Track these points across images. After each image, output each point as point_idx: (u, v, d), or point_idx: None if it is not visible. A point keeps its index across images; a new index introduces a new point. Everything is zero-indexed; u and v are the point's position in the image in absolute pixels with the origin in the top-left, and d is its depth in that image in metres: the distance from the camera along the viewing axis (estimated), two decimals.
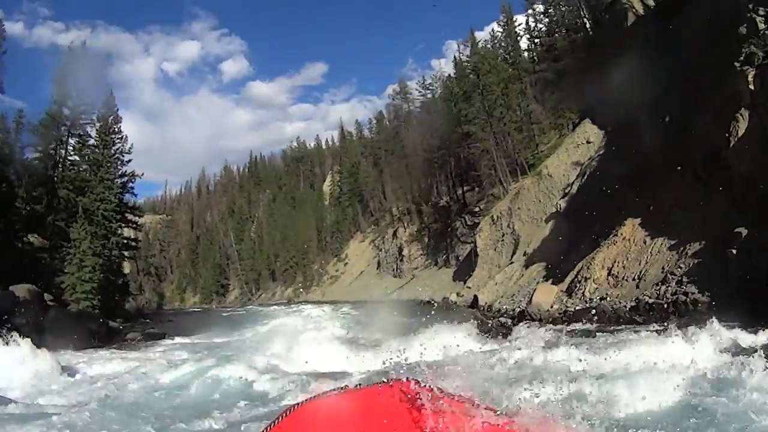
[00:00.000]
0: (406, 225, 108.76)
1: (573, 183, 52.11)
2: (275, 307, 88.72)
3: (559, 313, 34.88)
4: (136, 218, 73.42)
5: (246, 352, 24.72)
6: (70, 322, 37.28)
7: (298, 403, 3.24)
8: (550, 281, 41.82)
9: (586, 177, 50.56)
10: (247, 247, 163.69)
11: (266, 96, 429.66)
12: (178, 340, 40.99)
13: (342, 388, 3.49)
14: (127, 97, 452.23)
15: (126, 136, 65.73)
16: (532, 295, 39.42)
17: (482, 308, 49.28)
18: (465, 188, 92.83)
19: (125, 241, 67.88)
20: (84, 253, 50.75)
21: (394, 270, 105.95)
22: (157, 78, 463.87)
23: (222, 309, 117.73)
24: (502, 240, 61.07)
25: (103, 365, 23.92)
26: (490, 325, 34.25)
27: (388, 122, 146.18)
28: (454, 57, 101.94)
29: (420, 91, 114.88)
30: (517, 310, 41.18)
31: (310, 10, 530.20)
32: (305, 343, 24.50)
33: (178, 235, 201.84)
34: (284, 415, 3.13)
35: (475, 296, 53.87)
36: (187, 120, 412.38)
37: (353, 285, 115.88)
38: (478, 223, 71.38)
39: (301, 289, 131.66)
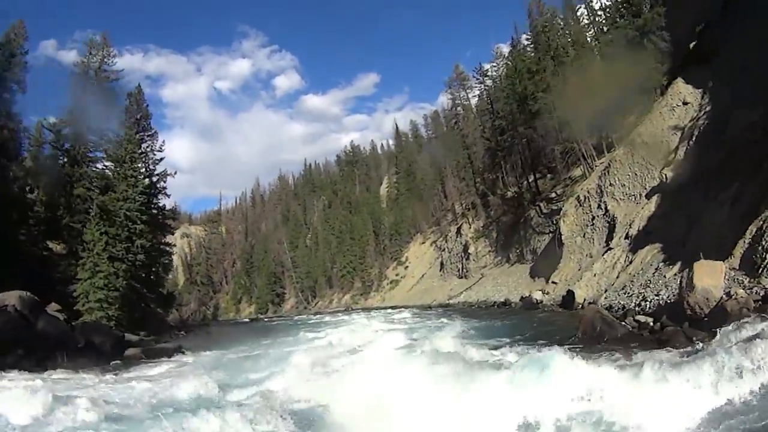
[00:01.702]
0: (470, 221, 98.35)
1: (677, 148, 44.00)
2: (327, 317, 78.10)
3: (757, 300, 21.99)
4: (169, 222, 69.23)
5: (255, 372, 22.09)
6: (58, 335, 31.44)
7: None
8: (679, 264, 32.27)
9: (694, 138, 42.51)
10: (302, 253, 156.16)
11: (320, 108, 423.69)
12: (187, 356, 34.57)
13: None
14: (182, 117, 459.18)
15: (156, 132, 62.92)
16: (687, 279, 26.21)
17: (580, 307, 41.37)
18: (536, 175, 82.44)
19: (160, 246, 63.68)
20: (99, 257, 45.45)
21: (459, 270, 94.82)
22: (210, 96, 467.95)
23: (271, 318, 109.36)
24: (592, 224, 52.74)
25: None
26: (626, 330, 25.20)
27: (444, 119, 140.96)
28: (512, 38, 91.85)
29: (478, 78, 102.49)
30: (643, 304, 32.16)
31: (358, 21, 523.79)
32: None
33: (232, 245, 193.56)
34: None
35: (570, 292, 45.49)
36: (243, 136, 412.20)
37: (415, 289, 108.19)
38: (557, 211, 63.92)
39: (360, 295, 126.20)
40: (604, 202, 51.09)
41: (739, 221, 28.31)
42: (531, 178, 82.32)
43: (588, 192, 54.93)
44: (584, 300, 42.01)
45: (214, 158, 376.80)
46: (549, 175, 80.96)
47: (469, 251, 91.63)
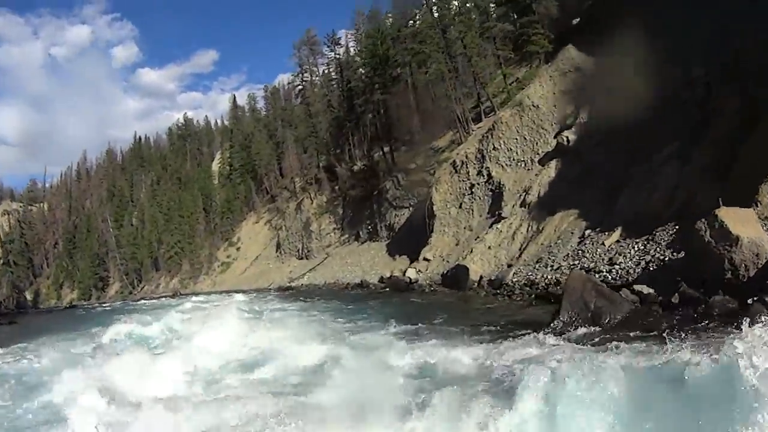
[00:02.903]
0: (313, 196, 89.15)
1: (578, 112, 40.50)
2: (144, 302, 72.62)
3: None
4: None
5: None
6: None
7: None
8: (619, 229, 29.03)
9: (594, 103, 38.90)
10: (127, 233, 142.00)
11: (155, 83, 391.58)
12: None
13: None
14: (14, 85, 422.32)
15: None
16: (717, 232, 18.79)
17: (476, 285, 36.41)
18: (391, 146, 73.46)
19: None
20: None
21: (299, 251, 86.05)
22: (45, 64, 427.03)
23: (89, 306, 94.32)
24: (471, 193, 47.43)
25: None
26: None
27: (284, 93, 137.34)
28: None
29: (329, 46, 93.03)
30: (554, 278, 29.61)
31: None
32: None
33: (54, 223, 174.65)
34: None
35: (461, 268, 39.19)
36: (74, 108, 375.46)
37: (248, 272, 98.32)
38: (418, 182, 59.72)
39: (188, 279, 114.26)
40: (487, 168, 46.04)
41: (699, 177, 26.22)
42: (386, 149, 73.64)
43: (466, 157, 48.64)
44: (480, 277, 36.71)
45: (44, 131, 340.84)
46: (404, 148, 72.15)
47: (311, 229, 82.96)
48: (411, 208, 59.48)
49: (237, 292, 68.20)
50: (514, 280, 32.59)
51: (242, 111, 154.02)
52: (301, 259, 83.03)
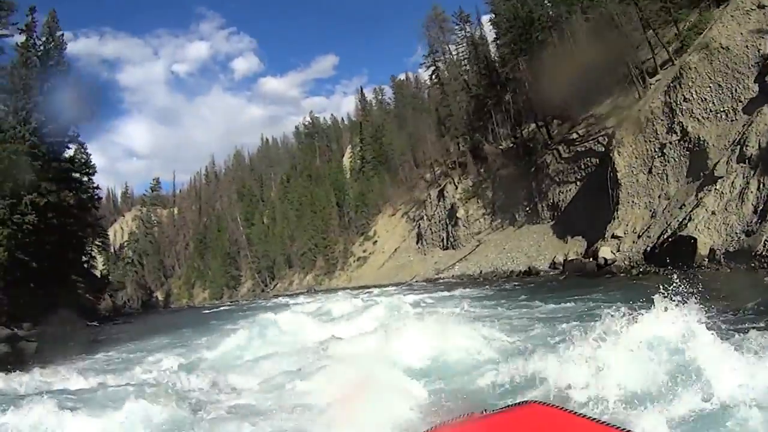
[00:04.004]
0: (456, 181, 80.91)
1: None
2: (275, 300, 67.39)
3: None
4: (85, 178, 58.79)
5: None
6: None
7: None
8: None
9: None
10: (259, 231, 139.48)
11: (278, 91, 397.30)
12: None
13: (466, 415, 2.85)
14: (140, 101, 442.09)
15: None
16: None
17: (708, 259, 29.79)
18: (546, 118, 65.06)
19: (66, 205, 49.19)
20: None
21: (443, 240, 79.21)
22: (168, 80, 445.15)
23: (219, 305, 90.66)
24: (662, 155, 40.08)
25: None
26: None
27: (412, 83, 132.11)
28: None
29: (457, 23, 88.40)
30: None
31: (316, 2, 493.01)
32: None
33: (184, 226, 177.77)
34: None
35: (685, 240, 31.73)
36: (201, 119, 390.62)
37: (387, 265, 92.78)
38: (585, 152, 52.53)
39: (323, 275, 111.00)
40: (680, 123, 38.81)
41: None
42: (538, 123, 65.83)
43: (652, 113, 41.28)
44: (711, 249, 29.83)
45: (173, 143, 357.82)
46: (556, 121, 64.49)
47: (457, 216, 75.24)
48: (578, 183, 52.38)
49: (375, 287, 63.06)
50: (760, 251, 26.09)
51: (370, 105, 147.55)
52: (446, 249, 76.67)
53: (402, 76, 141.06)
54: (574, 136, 56.16)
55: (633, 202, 40.69)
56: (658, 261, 31.94)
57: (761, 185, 29.88)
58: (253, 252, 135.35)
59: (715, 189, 32.41)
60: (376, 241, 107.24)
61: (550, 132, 62.92)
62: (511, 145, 71.16)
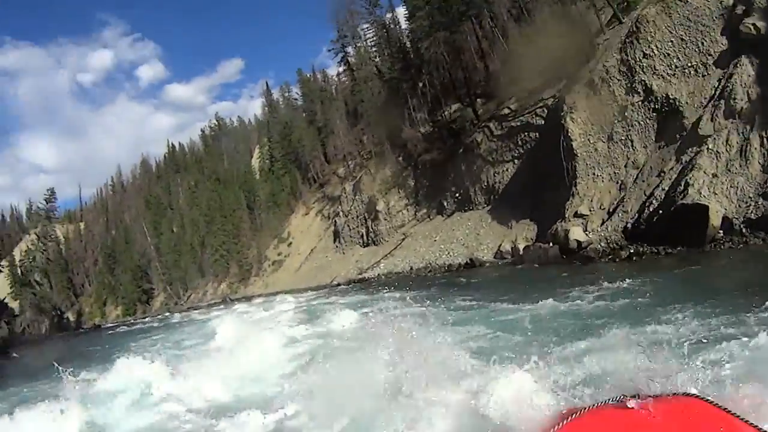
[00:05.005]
0: (373, 172, 75.90)
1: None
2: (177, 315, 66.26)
3: None
4: None
5: None
6: None
7: (576, 411, 2.85)
8: None
9: None
10: (167, 240, 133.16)
11: (185, 98, 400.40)
12: None
13: (618, 398, 2.96)
14: (44, 115, 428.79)
15: None
16: None
17: (720, 232, 24.71)
18: (471, 96, 59.69)
19: None
20: None
21: (363, 237, 73.75)
22: (72, 91, 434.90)
23: (121, 323, 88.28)
24: (623, 118, 35.04)
25: None
26: None
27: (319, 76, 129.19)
28: None
29: (367, 7, 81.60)
30: None
31: (220, 6, 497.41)
32: None
33: (92, 240, 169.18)
34: (563, 422, 2.82)
35: (697, 209, 25.28)
36: (108, 131, 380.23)
37: (304, 268, 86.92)
38: (522, 127, 46.98)
39: (238, 282, 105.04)
40: (642, 82, 34.51)
41: None
42: (464, 102, 60.91)
43: (607, 72, 36.14)
44: (725, 218, 24.94)
45: (80, 156, 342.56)
46: (479, 100, 58.85)
47: (377, 209, 69.39)
48: (516, 161, 46.77)
49: (289, 292, 60.51)
50: None
51: (277, 103, 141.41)
52: (367, 246, 71.10)
53: (309, 72, 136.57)
54: (506, 111, 50.39)
55: (594, 174, 35.20)
56: (653, 239, 26.94)
57: (764, 140, 25.62)
58: (163, 263, 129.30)
59: (708, 149, 27.89)
60: (290, 243, 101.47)
61: (476, 111, 57.18)
62: (432, 128, 66.13)
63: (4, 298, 75.48)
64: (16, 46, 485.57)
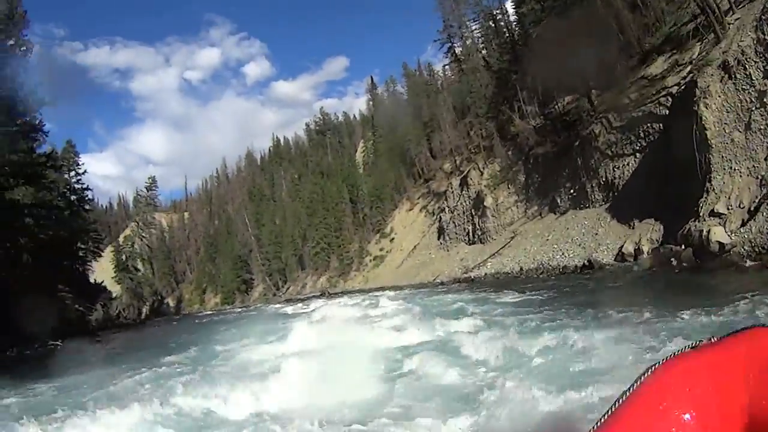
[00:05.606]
0: (481, 166, 71.95)
1: None
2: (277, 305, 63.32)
3: None
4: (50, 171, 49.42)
5: None
6: None
7: (654, 365, 2.29)
8: None
9: None
10: (269, 231, 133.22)
11: (290, 95, 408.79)
12: None
13: (694, 345, 2.42)
14: (153, 109, 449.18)
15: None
16: None
17: None
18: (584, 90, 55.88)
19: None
20: None
21: (469, 234, 70.31)
22: (180, 87, 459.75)
23: (221, 312, 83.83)
24: (762, 105, 29.45)
25: None
26: None
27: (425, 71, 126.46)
28: None
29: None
30: None
31: (325, 5, 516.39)
32: None
33: (195, 230, 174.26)
34: (645, 375, 2.28)
35: None
36: (215, 125, 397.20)
37: (406, 264, 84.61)
38: (644, 117, 42.41)
39: (338, 276, 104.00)
40: None
41: None
42: (580, 92, 56.49)
43: (742, 53, 31.09)
44: None
45: (187, 149, 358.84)
46: (594, 92, 54.15)
47: (484, 205, 66.08)
48: (638, 155, 42.68)
49: (392, 288, 58.50)
50: None
51: (381, 97, 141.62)
52: (473, 243, 67.92)
53: (414, 67, 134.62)
54: (626, 101, 45.85)
55: (731, 167, 30.55)
56: None
57: None
58: (263, 254, 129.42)
59: None
60: (393, 239, 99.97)
61: (591, 101, 53.44)
62: (544, 121, 62.49)
63: (102, 282, 75.15)
64: (126, 45, 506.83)
